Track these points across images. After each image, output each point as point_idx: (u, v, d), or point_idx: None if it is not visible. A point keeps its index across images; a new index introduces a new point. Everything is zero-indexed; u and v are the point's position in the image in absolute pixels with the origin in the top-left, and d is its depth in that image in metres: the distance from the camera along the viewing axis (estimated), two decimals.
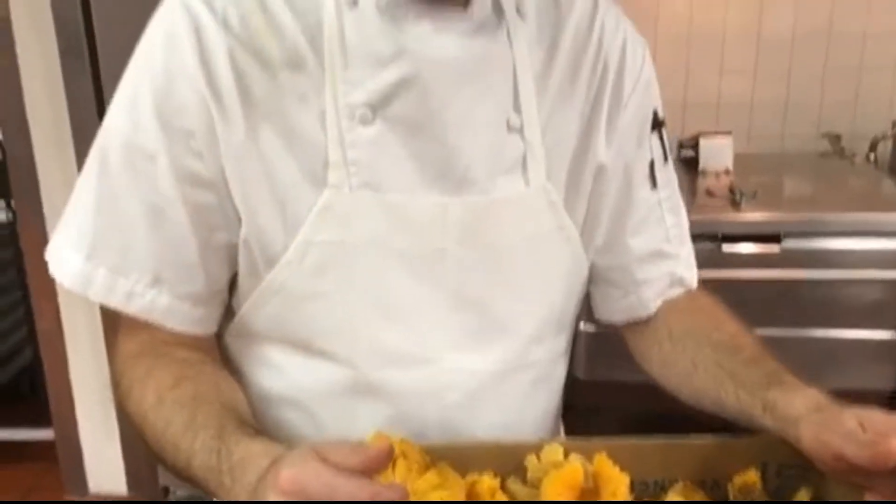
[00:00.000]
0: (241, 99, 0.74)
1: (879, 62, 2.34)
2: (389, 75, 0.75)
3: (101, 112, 1.78)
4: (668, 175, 0.91)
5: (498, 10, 0.79)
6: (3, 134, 2.01)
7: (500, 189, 0.80)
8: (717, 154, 2.13)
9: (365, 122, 0.76)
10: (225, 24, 0.74)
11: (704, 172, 2.13)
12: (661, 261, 0.90)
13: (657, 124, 0.89)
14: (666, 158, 0.90)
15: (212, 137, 0.74)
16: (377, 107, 0.76)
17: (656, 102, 0.89)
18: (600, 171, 0.85)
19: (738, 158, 2.20)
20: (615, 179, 0.87)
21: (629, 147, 0.87)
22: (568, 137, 0.83)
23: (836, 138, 2.30)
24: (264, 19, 0.75)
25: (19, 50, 1.90)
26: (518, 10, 0.80)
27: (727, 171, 2.12)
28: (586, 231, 0.86)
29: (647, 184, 0.89)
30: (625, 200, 0.88)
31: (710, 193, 1.97)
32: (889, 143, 2.25)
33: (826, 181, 2.14)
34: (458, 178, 0.78)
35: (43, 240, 2.00)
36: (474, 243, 0.79)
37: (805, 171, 2.24)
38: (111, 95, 1.74)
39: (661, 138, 0.89)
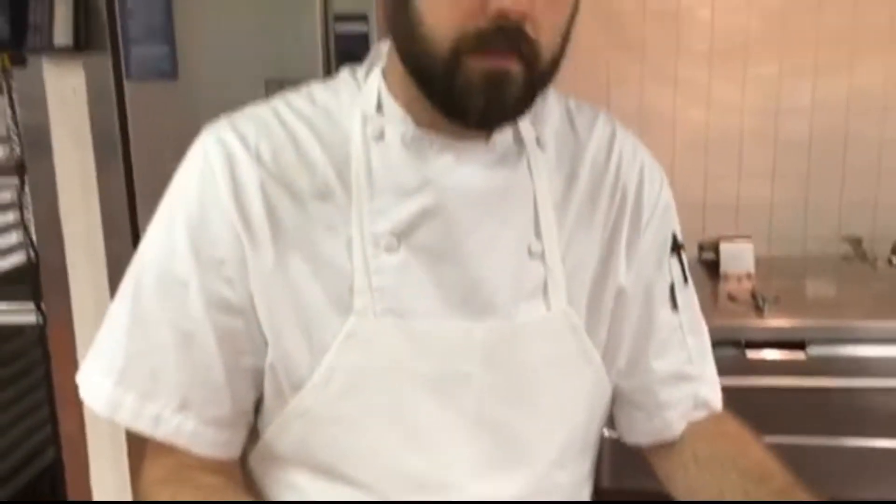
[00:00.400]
0: (271, 229, 0.77)
1: None
2: (414, 205, 0.78)
3: (133, 220, 1.83)
4: (689, 296, 0.92)
5: (518, 141, 0.82)
6: (37, 238, 2.06)
7: (523, 314, 0.81)
8: (738, 258, 2.14)
9: (390, 249, 0.78)
10: (258, 158, 0.78)
11: (726, 276, 2.13)
12: (685, 383, 0.91)
13: (676, 247, 0.90)
14: (686, 280, 0.91)
15: (242, 266, 0.77)
16: (402, 235, 0.78)
17: (675, 226, 0.91)
18: (621, 294, 0.87)
19: (759, 261, 2.21)
20: (636, 302, 0.88)
21: (649, 270, 0.88)
22: (588, 262, 0.85)
23: (857, 241, 2.30)
24: (295, 153, 0.79)
25: (56, 158, 1.96)
26: (538, 141, 0.84)
27: (749, 276, 2.12)
28: (608, 354, 0.87)
29: (667, 306, 0.90)
30: (646, 323, 0.89)
31: (732, 298, 1.97)
32: None
33: (849, 285, 2.14)
34: (482, 304, 0.80)
35: (71, 344, 2.02)
36: (498, 367, 0.80)
37: (827, 274, 2.24)
38: (144, 204, 1.79)
39: (681, 261, 0.91)
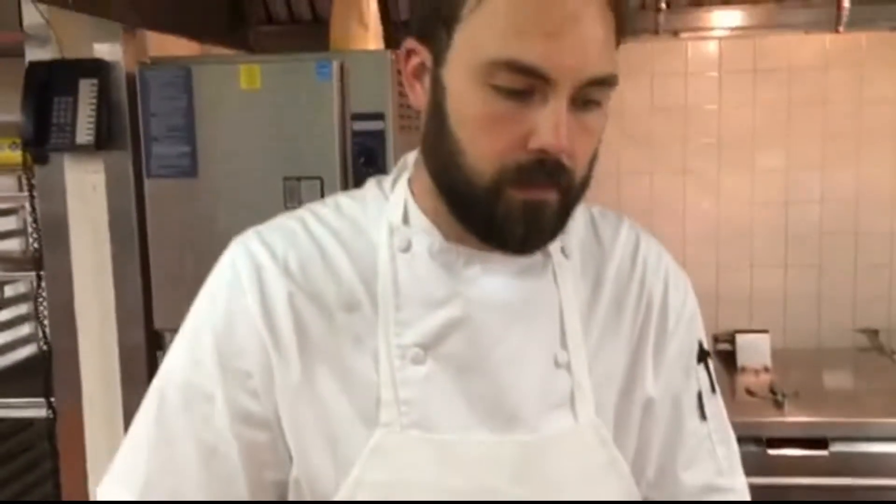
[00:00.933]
0: (298, 341, 0.76)
1: None
2: (441, 317, 0.78)
3: (148, 316, 1.83)
4: (717, 406, 0.90)
5: (544, 251, 0.82)
6: (51, 331, 2.06)
7: (550, 426, 0.80)
8: (755, 351, 2.12)
9: (416, 361, 0.77)
10: (286, 270, 0.78)
11: (743, 369, 2.11)
12: (716, 494, 0.88)
13: (703, 356, 0.89)
14: (713, 389, 0.90)
15: (268, 378, 0.76)
16: (428, 347, 0.78)
17: (700, 335, 0.90)
18: (648, 404, 0.85)
19: (775, 353, 2.19)
20: (663, 412, 0.87)
21: (676, 380, 0.87)
22: (615, 372, 0.84)
23: (873, 333, 2.29)
24: (322, 264, 0.79)
25: (73, 252, 1.98)
26: (563, 251, 0.84)
27: (766, 369, 2.10)
28: (636, 465, 0.85)
29: (695, 416, 0.88)
30: (674, 433, 0.87)
31: (750, 393, 1.94)
32: None
33: (868, 379, 2.12)
34: (508, 416, 0.78)
35: (80, 438, 2.00)
36: (526, 482, 0.78)
37: (845, 367, 2.22)
38: (159, 300, 1.79)
39: (708, 369, 0.90)
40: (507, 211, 0.71)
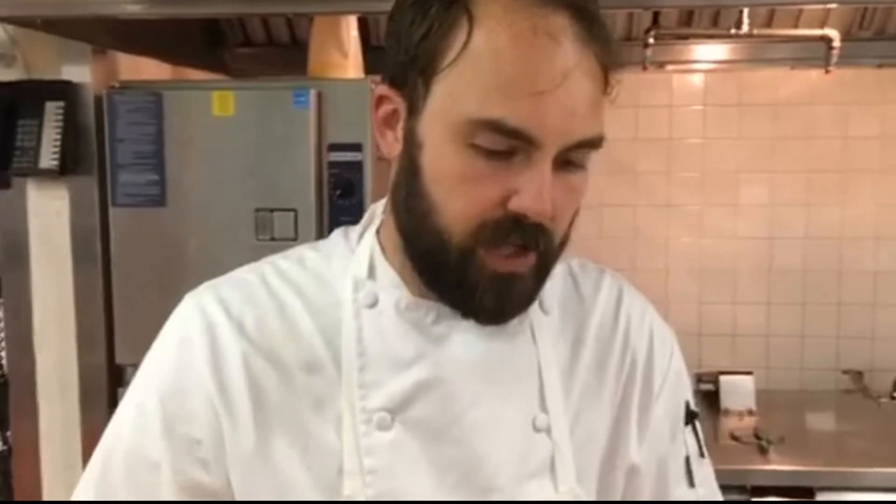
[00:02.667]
0: (253, 406, 0.71)
1: (892, 299, 2.34)
2: (409, 378, 0.72)
3: (110, 347, 1.76)
4: (706, 471, 0.85)
5: None
6: (8, 361, 1.98)
7: (528, 495, 0.75)
8: (739, 393, 2.08)
9: (383, 427, 0.72)
10: (241, 328, 0.72)
11: (727, 412, 2.06)
12: None
13: (690, 417, 0.84)
14: (702, 453, 0.84)
15: (220, 446, 0.71)
16: (396, 411, 0.72)
17: (687, 394, 0.85)
18: (633, 471, 0.80)
19: (758, 394, 2.15)
20: (649, 478, 0.82)
21: (662, 443, 0.82)
22: (597, 436, 0.79)
23: (857, 375, 2.25)
24: (281, 321, 0.73)
25: (34, 280, 1.91)
26: (541, 305, 0.78)
27: (750, 411, 2.06)
28: None
29: (683, 482, 0.83)
30: (661, 500, 0.82)
31: (734, 438, 1.89)
32: None
33: (854, 423, 2.07)
34: (483, 487, 0.73)
35: (35, 471, 1.91)
36: None
37: (830, 410, 2.18)
38: (122, 331, 1.71)
39: (696, 432, 0.85)
40: (477, 279, 0.67)
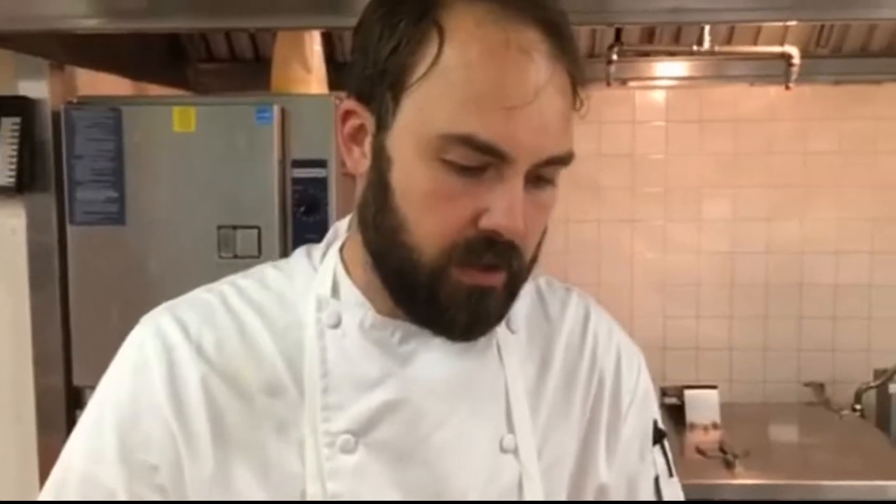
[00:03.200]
0: (212, 431, 0.69)
1: (852, 312, 2.37)
2: (374, 400, 0.71)
3: (67, 370, 1.71)
4: (675, 490, 0.85)
5: None
6: None
7: None
8: (704, 407, 2.09)
9: (347, 450, 0.70)
10: (199, 351, 0.70)
11: (692, 426, 2.07)
12: None
13: (659, 437, 0.84)
14: (671, 472, 0.84)
15: (177, 472, 0.69)
16: (360, 434, 0.71)
17: (655, 414, 0.85)
18: (602, 491, 0.80)
19: (723, 408, 2.16)
20: (618, 498, 0.81)
21: (631, 463, 0.82)
22: (565, 457, 0.78)
23: (819, 387, 2.28)
24: (241, 343, 0.72)
25: None
26: (508, 324, 0.77)
27: (715, 425, 2.07)
28: None
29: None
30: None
31: (700, 452, 1.90)
32: (873, 394, 2.22)
33: (817, 436, 2.10)
34: None
35: None
36: None
37: (793, 423, 2.20)
38: (79, 353, 1.67)
39: (664, 451, 0.84)
40: (450, 295, 0.65)
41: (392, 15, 0.65)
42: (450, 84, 0.63)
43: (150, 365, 0.70)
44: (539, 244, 0.70)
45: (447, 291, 0.66)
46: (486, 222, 0.64)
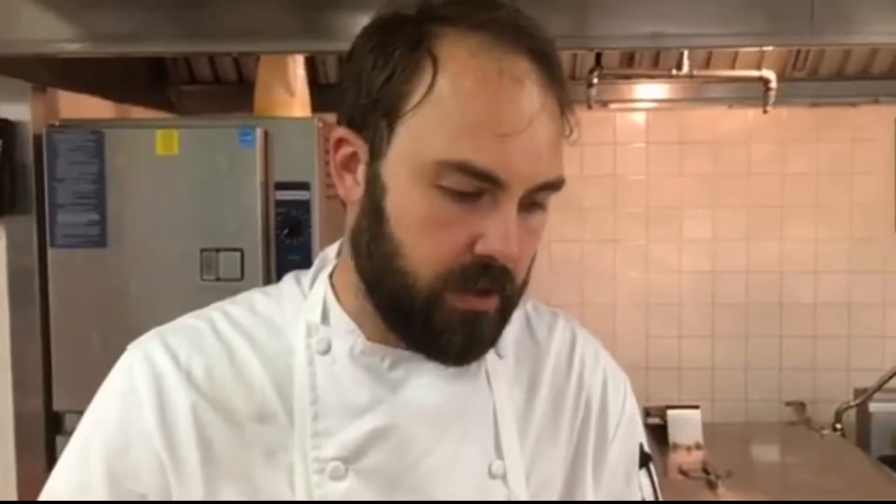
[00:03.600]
0: (201, 459, 0.68)
1: (832, 331, 2.40)
2: (364, 426, 0.71)
3: (47, 393, 1.69)
4: None
5: None
6: None
7: None
8: (687, 427, 2.09)
9: (336, 477, 0.70)
10: (189, 378, 0.70)
11: (675, 447, 2.08)
12: None
13: (645, 460, 0.84)
14: (656, 495, 0.84)
15: (166, 500, 0.67)
16: (350, 460, 0.71)
17: (641, 437, 0.85)
18: None
19: (705, 427, 2.17)
20: None
21: (617, 486, 0.82)
22: (553, 481, 0.78)
23: (800, 406, 2.30)
24: (232, 370, 0.71)
25: None
26: (496, 350, 0.78)
27: (698, 446, 2.07)
28: None
29: None
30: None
31: (683, 472, 1.90)
32: (853, 413, 2.24)
33: (798, 455, 2.11)
34: None
35: None
36: None
37: (775, 442, 2.21)
38: (60, 379, 1.66)
39: (650, 475, 0.85)
40: (445, 320, 0.66)
41: (386, 45, 0.66)
42: (445, 112, 0.64)
43: (139, 392, 0.69)
44: (529, 269, 0.70)
45: (442, 316, 0.66)
46: (481, 248, 0.65)
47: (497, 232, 0.64)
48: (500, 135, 0.63)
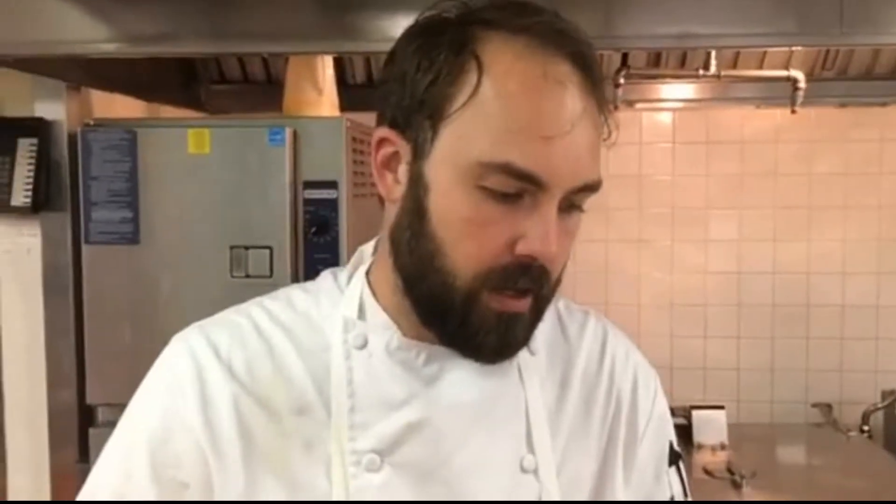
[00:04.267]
0: (242, 450, 0.70)
1: (860, 333, 2.38)
2: (399, 420, 0.72)
3: (80, 387, 1.72)
4: None
5: None
6: None
7: None
8: (712, 428, 2.09)
9: (372, 469, 0.72)
10: (230, 371, 0.72)
11: (699, 447, 2.07)
12: None
13: (674, 458, 0.85)
14: (686, 494, 0.85)
15: (208, 490, 0.70)
16: (385, 453, 0.72)
17: (671, 435, 0.86)
18: None
19: (730, 428, 2.16)
20: None
21: (647, 484, 0.83)
22: (584, 476, 0.79)
23: (827, 408, 2.28)
24: (271, 364, 0.73)
25: (3, 318, 1.87)
26: (528, 347, 0.79)
27: (723, 446, 2.07)
28: None
29: None
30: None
31: (707, 472, 1.90)
32: (881, 416, 2.23)
33: (824, 457, 2.10)
34: None
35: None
36: None
37: (800, 444, 2.20)
38: (93, 374, 1.69)
39: (680, 473, 0.85)
40: (481, 320, 0.67)
41: (430, 47, 0.68)
42: (489, 114, 0.65)
43: (182, 385, 0.71)
44: (563, 269, 0.72)
45: (478, 316, 0.67)
46: (522, 248, 0.66)
47: (537, 232, 0.65)
48: (543, 137, 0.64)
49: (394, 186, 0.71)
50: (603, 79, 0.70)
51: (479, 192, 0.65)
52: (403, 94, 0.69)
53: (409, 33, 0.71)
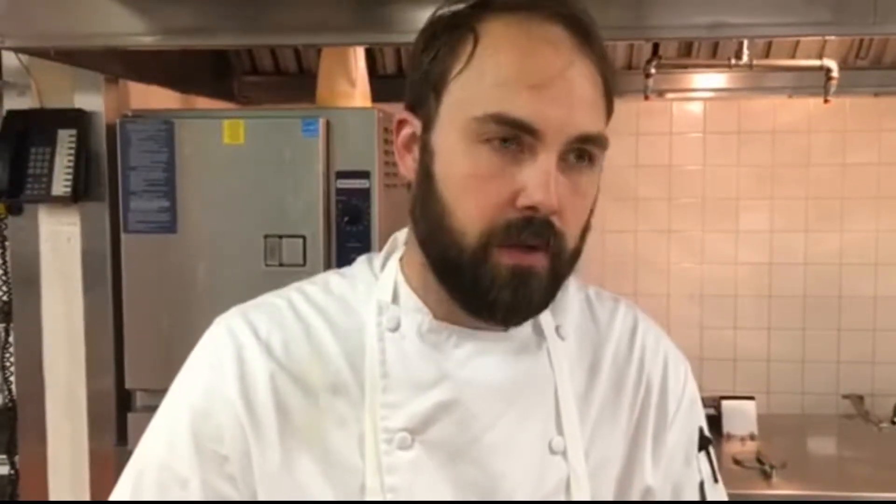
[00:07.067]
0: (279, 425, 0.73)
1: (892, 324, 2.36)
2: (430, 400, 0.74)
3: (119, 373, 1.77)
4: (719, 495, 0.87)
5: (538, 331, 0.79)
6: (17, 385, 1.99)
7: None
8: (741, 418, 2.09)
9: (403, 447, 0.74)
10: (269, 350, 0.74)
11: (729, 437, 2.07)
12: None
13: (704, 443, 0.86)
14: (716, 478, 0.86)
15: (247, 462, 0.73)
16: (416, 432, 0.74)
17: (701, 421, 0.87)
18: (647, 494, 0.82)
19: (760, 419, 2.16)
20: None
21: (677, 468, 0.84)
22: (612, 459, 0.80)
23: (858, 399, 2.27)
24: (308, 344, 0.75)
25: (44, 305, 1.92)
26: (558, 331, 0.80)
27: (752, 437, 2.07)
28: None
29: None
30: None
31: (737, 462, 1.90)
32: None
33: (855, 449, 2.09)
34: None
35: (43, 496, 1.91)
36: None
37: (831, 435, 2.19)
38: (131, 357, 1.72)
39: (710, 457, 0.86)
40: (493, 275, 0.69)
41: (435, 30, 0.73)
42: (481, 73, 0.69)
43: (223, 363, 0.74)
44: (583, 238, 0.73)
45: (490, 273, 0.69)
46: (522, 200, 0.67)
47: (535, 182, 0.67)
48: (530, 86, 0.67)
49: (412, 166, 0.75)
50: (604, 51, 0.72)
51: (477, 149, 0.68)
52: (414, 72, 0.73)
53: (422, 29, 0.75)
